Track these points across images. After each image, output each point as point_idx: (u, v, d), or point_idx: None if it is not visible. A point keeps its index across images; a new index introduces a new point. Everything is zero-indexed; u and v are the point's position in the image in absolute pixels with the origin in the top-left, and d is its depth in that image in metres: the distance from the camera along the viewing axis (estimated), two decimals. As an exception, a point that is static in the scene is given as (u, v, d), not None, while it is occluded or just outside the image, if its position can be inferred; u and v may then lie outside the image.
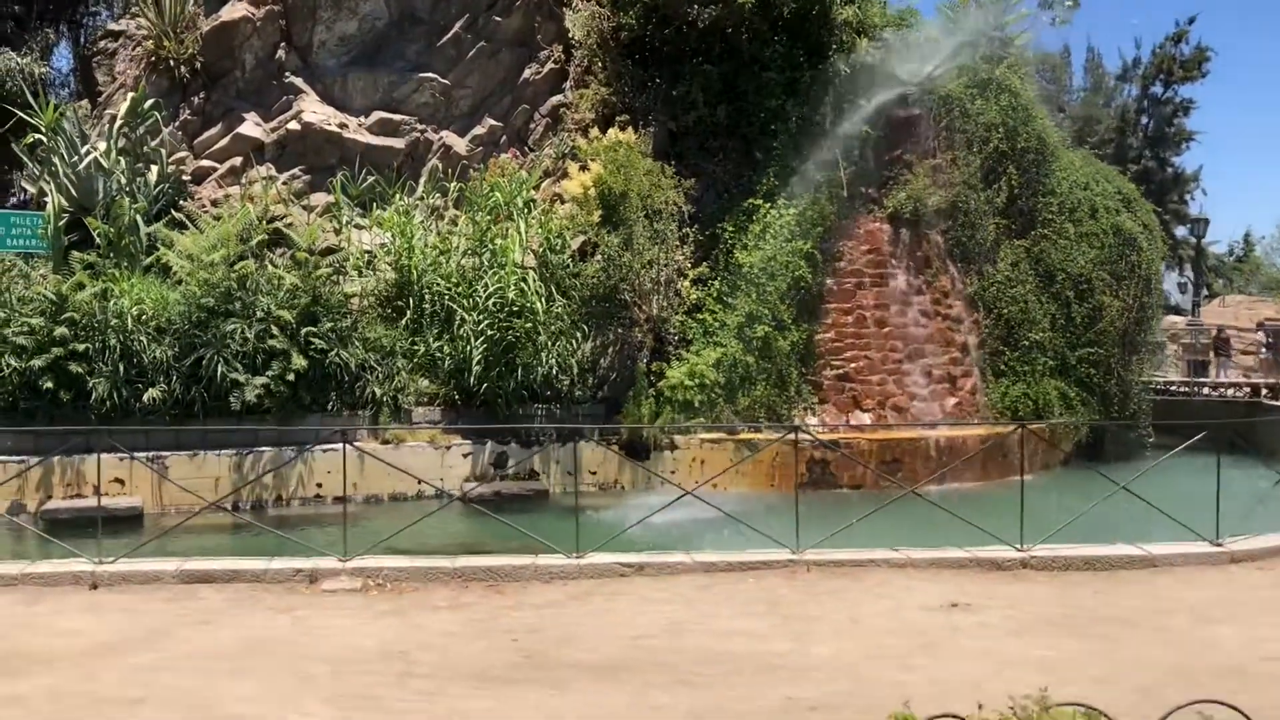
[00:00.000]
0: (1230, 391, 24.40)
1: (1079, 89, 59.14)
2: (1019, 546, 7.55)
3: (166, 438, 14.55)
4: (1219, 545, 7.76)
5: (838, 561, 7.22)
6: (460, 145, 19.15)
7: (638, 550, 7.86)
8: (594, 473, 16.38)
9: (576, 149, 17.43)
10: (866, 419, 17.19)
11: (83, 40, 24.80)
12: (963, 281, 18.86)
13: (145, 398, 14.09)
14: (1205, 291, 43.67)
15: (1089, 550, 7.41)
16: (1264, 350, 31.68)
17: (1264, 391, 23.43)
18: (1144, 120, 57.06)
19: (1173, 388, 24.56)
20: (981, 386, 18.54)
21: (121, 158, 16.22)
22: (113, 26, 21.12)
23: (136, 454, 14.13)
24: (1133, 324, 20.43)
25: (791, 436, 16.68)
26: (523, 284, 15.96)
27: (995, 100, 19.55)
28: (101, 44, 20.19)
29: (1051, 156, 20.06)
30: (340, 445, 15.52)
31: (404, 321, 16.29)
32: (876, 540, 9.39)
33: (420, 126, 19.02)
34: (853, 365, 17.47)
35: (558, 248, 16.79)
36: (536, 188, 17.39)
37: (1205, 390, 24.71)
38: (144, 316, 14.46)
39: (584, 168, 16.51)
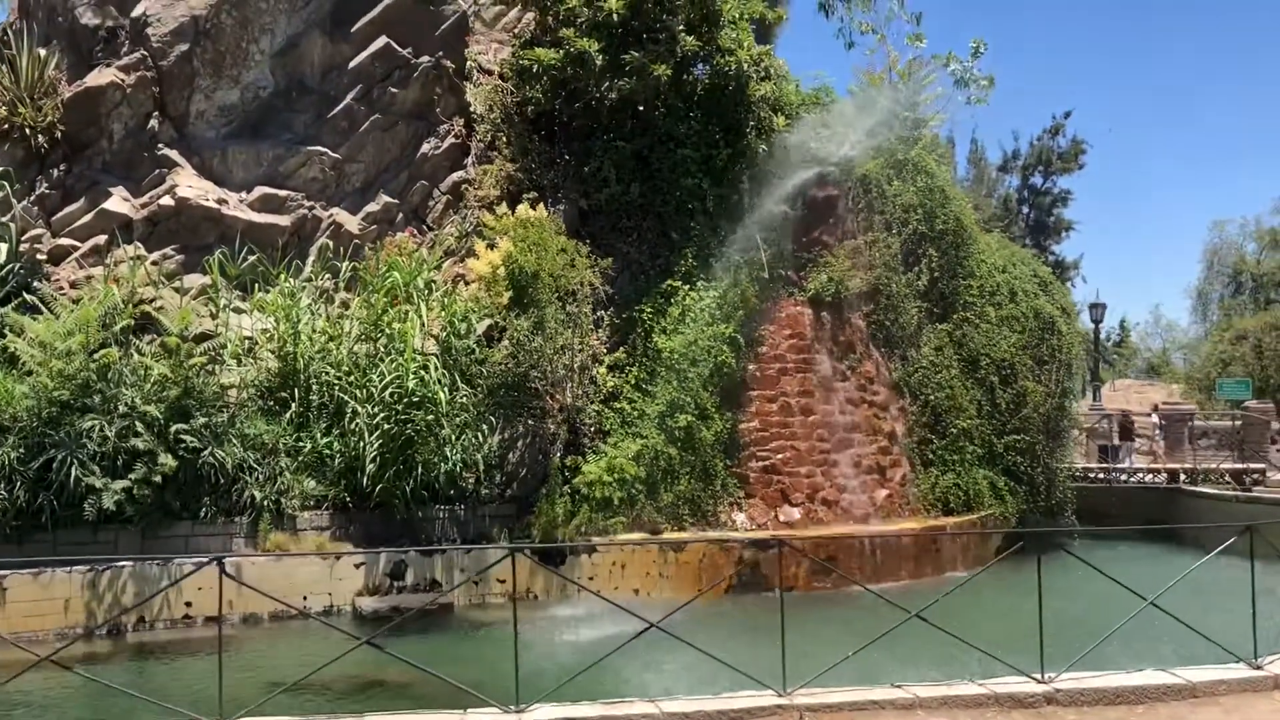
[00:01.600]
0: (1149, 477, 24.12)
1: (963, 179, 60.73)
2: (1040, 677, 6.40)
3: (7, 553, 12.53)
4: (1259, 668, 6.75)
5: (835, 705, 5.95)
6: (352, 223, 17.71)
7: (585, 696, 6.42)
8: (503, 581, 14.79)
9: (483, 226, 16.18)
10: (796, 514, 16.05)
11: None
12: (887, 367, 18.09)
13: (-20, 508, 12.11)
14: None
15: (1121, 680, 6.30)
16: (1158, 434, 31.93)
17: (1182, 478, 23.16)
18: (1025, 210, 58.86)
19: (1090, 474, 24.16)
20: (911, 477, 17.63)
21: (-37, 234, 14.34)
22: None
23: (-34, 573, 12.15)
24: (1055, 409, 19.93)
25: (717, 536, 15.50)
26: (423, 372, 14.48)
27: (912, 181, 19.09)
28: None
29: (969, 239, 19.63)
30: (210, 560, 13.76)
31: (288, 415, 14.62)
32: (837, 653, 8.18)
33: (308, 203, 17.53)
34: (779, 456, 16.38)
35: (462, 332, 15.40)
36: (438, 268, 16.04)
37: (1123, 477, 24.39)
38: (-18, 413, 12.53)
39: (491, 246, 15.26)
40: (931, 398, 18.24)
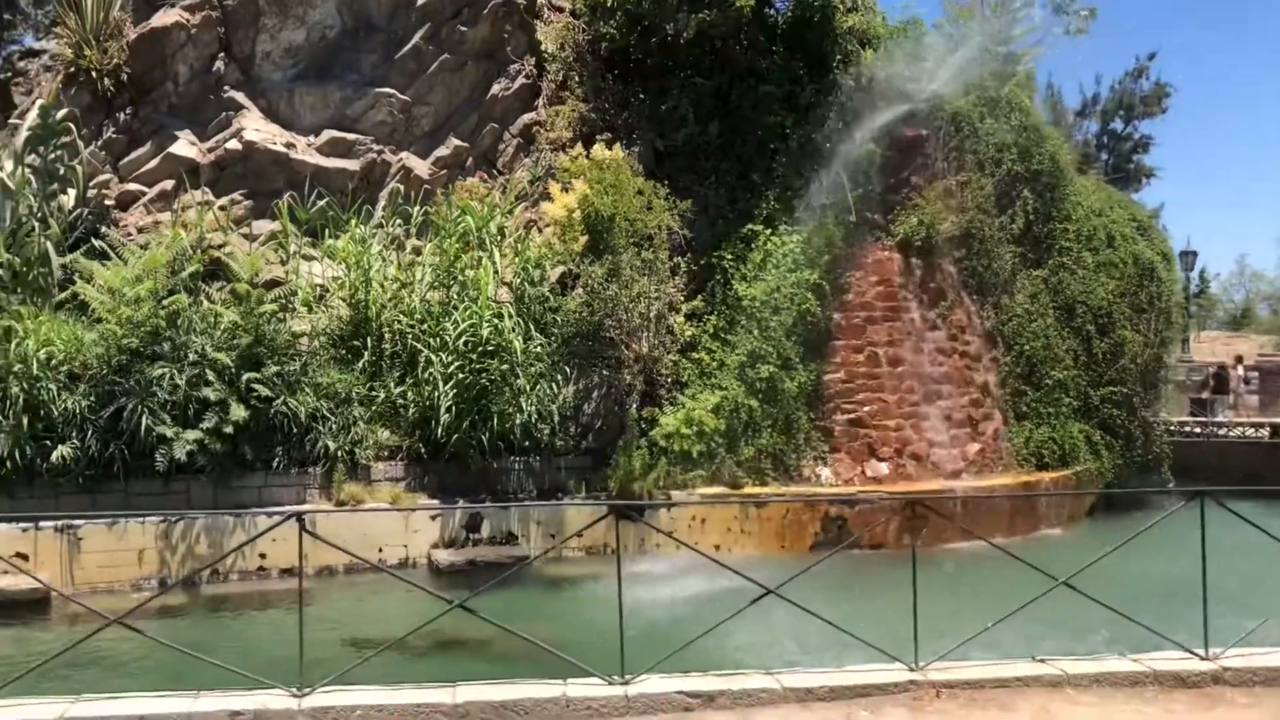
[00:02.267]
0: (1249, 431, 22.97)
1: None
2: (1204, 653, 5.72)
3: (80, 504, 12.31)
4: None
5: (974, 681, 5.35)
6: (422, 168, 17.18)
7: (696, 666, 5.88)
8: (580, 534, 14.33)
9: (556, 169, 15.56)
10: (884, 469, 15.36)
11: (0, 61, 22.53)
12: (979, 315, 17.20)
13: (54, 456, 11.87)
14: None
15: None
16: (1247, 386, 30.56)
17: (1287, 430, 22.03)
18: (1104, 156, 56.68)
19: (1186, 428, 23.08)
20: (1004, 430, 16.82)
21: (32, 178, 14.04)
22: (34, 46, 18.98)
23: (43, 523, 11.95)
24: (1152, 360, 18.92)
25: (803, 490, 14.88)
26: (497, 320, 13.96)
27: (1006, 119, 18.04)
28: (20, 64, 18.03)
29: (1065, 181, 18.56)
30: (286, 510, 13.45)
31: (360, 364, 14.21)
32: (957, 623, 7.54)
33: (377, 147, 17.02)
34: (866, 409, 15.66)
35: (535, 279, 14.85)
36: (510, 213, 15.45)
37: (1221, 431, 23.26)
38: (54, 360, 12.25)
39: (566, 188, 14.62)
40: (1025, 348, 17.34)
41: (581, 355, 15.14)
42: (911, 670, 5.53)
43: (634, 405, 15.13)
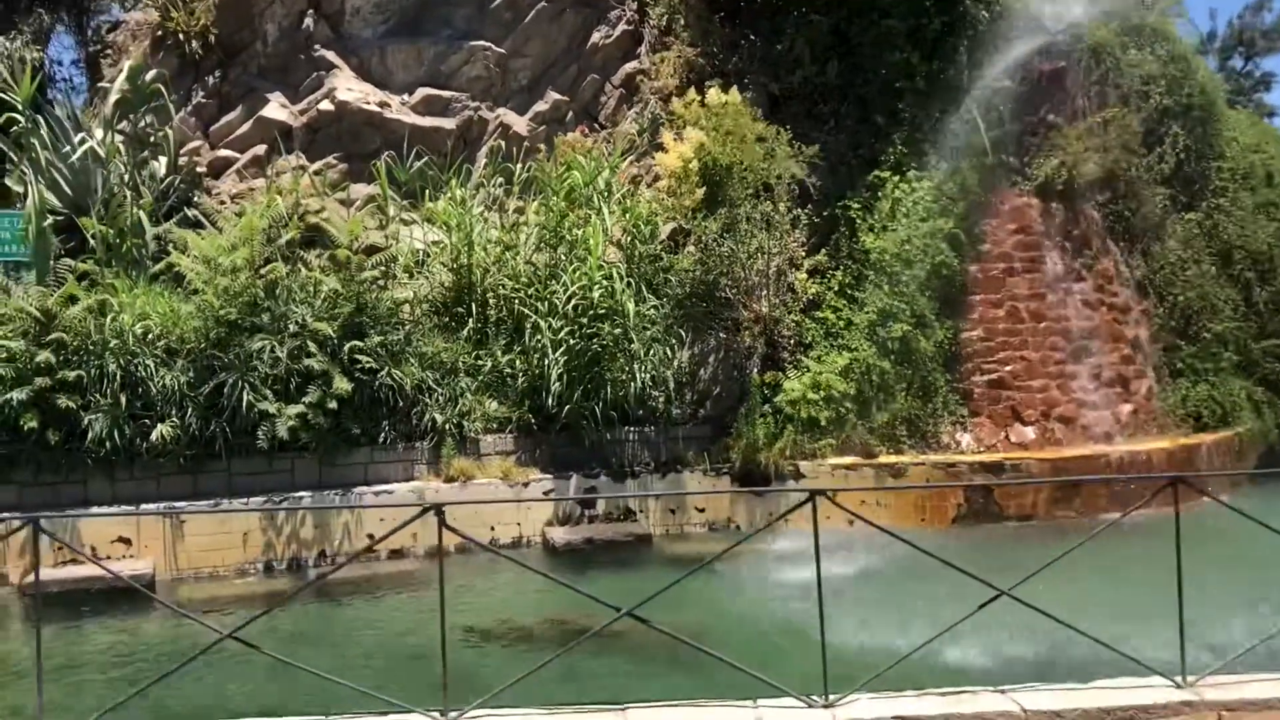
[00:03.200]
0: None
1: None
2: None
3: (182, 485, 11.75)
4: None
5: (1259, 703, 4.27)
6: (520, 124, 16.27)
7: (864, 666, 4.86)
8: (702, 509, 13.42)
9: (668, 116, 14.50)
10: (1030, 433, 14.10)
11: (88, 33, 22.18)
12: (1127, 264, 15.74)
13: (154, 436, 11.28)
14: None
15: None
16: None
17: None
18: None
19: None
20: (1157, 389, 15.40)
21: (122, 146, 13.46)
22: (122, 16, 18.47)
23: (145, 506, 11.41)
24: (1318, 310, 17.24)
25: (941, 458, 13.72)
26: (609, 281, 13.01)
27: (1151, 49, 16.44)
28: (109, 36, 17.53)
29: (1217, 115, 16.94)
30: (396, 486, 12.76)
31: (465, 332, 13.41)
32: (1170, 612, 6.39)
33: (473, 104, 16.16)
34: (1008, 369, 14.39)
35: (646, 237, 13.84)
36: (616, 167, 14.43)
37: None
38: (150, 335, 11.66)
39: (679, 137, 13.56)
40: (1179, 298, 15.86)
41: (696, 317, 14.15)
42: (1180, 687, 4.46)
43: (755, 369, 14.09)
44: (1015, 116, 15.41)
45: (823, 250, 14.44)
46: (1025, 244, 14.91)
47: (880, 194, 14.53)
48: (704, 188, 13.34)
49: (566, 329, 12.92)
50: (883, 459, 13.53)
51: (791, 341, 14.21)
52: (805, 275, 14.29)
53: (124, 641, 9.56)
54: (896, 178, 14.61)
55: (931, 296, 14.19)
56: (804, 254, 14.41)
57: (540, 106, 16.45)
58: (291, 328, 12.08)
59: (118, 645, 9.43)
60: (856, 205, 14.42)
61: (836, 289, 14.30)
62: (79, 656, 9.14)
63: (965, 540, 12.87)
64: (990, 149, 14.84)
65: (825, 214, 14.54)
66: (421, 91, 16.01)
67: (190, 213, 13.71)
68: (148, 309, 11.81)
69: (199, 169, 14.79)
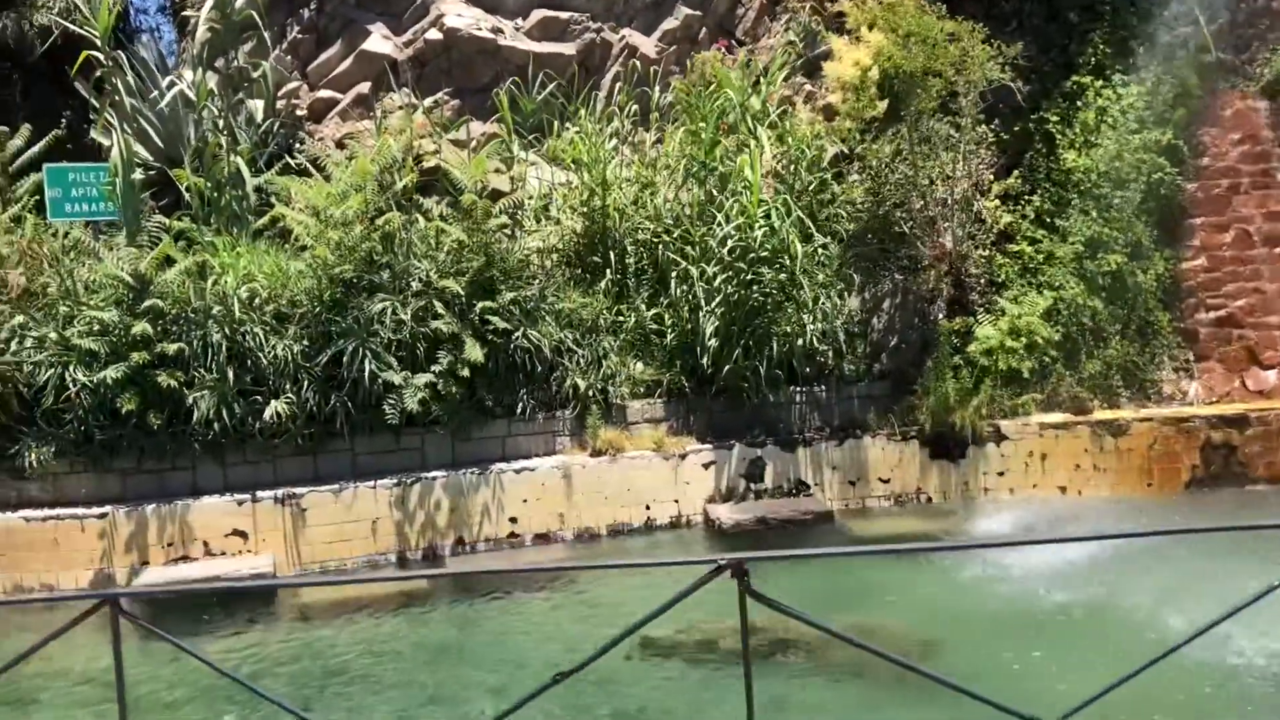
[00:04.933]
0: None
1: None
2: None
3: (301, 468, 10.35)
4: None
5: None
6: (647, 45, 14.40)
7: None
8: (886, 480, 11.60)
9: (824, 24, 12.48)
10: (1271, 378, 11.92)
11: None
12: (1379, 175, 13.28)
13: (267, 414, 9.86)
14: None
15: None
16: None
17: None
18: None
19: None
20: None
21: (215, 87, 11.97)
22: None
23: (261, 494, 10.04)
24: None
25: (1170, 413, 11.65)
26: (772, 219, 11.14)
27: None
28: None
29: None
30: (539, 462, 11.19)
31: (602, 285, 11.72)
32: None
33: (594, 25, 14.33)
34: (1238, 303, 12.18)
35: (808, 164, 11.92)
36: (773, 84, 12.45)
37: None
38: (257, 299, 10.21)
39: (854, 39, 11.54)
40: None
41: (868, 257, 12.23)
42: None
43: (940, 315, 12.15)
44: (1232, 6, 13.00)
45: (1014, 173, 12.33)
46: (1252, 155, 12.58)
47: (1080, 103, 12.35)
48: (884, 100, 11.33)
49: (722, 275, 11.13)
50: (1099, 415, 11.51)
51: (981, 281, 12.21)
52: (995, 202, 12.23)
53: (251, 651, 8.17)
54: (1099, 83, 12.39)
55: (1148, 221, 12.03)
56: (992, 178, 12.32)
57: (669, 24, 14.54)
58: (414, 285, 10.52)
59: (249, 666, 8.04)
60: (1054, 117, 12.25)
61: (1033, 217, 12.23)
62: (207, 684, 7.78)
63: (1205, 508, 10.87)
64: (1206, 45, 12.51)
65: (1017, 128, 12.40)
66: (537, 14, 14.23)
67: (293, 161, 12.20)
68: (253, 269, 10.36)
69: (298, 112, 13.29)
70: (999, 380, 11.51)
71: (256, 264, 10.38)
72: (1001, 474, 11.47)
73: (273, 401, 9.89)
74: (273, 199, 11.37)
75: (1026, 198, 12.26)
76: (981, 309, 11.99)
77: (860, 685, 7.29)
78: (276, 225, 11.32)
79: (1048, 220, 12.14)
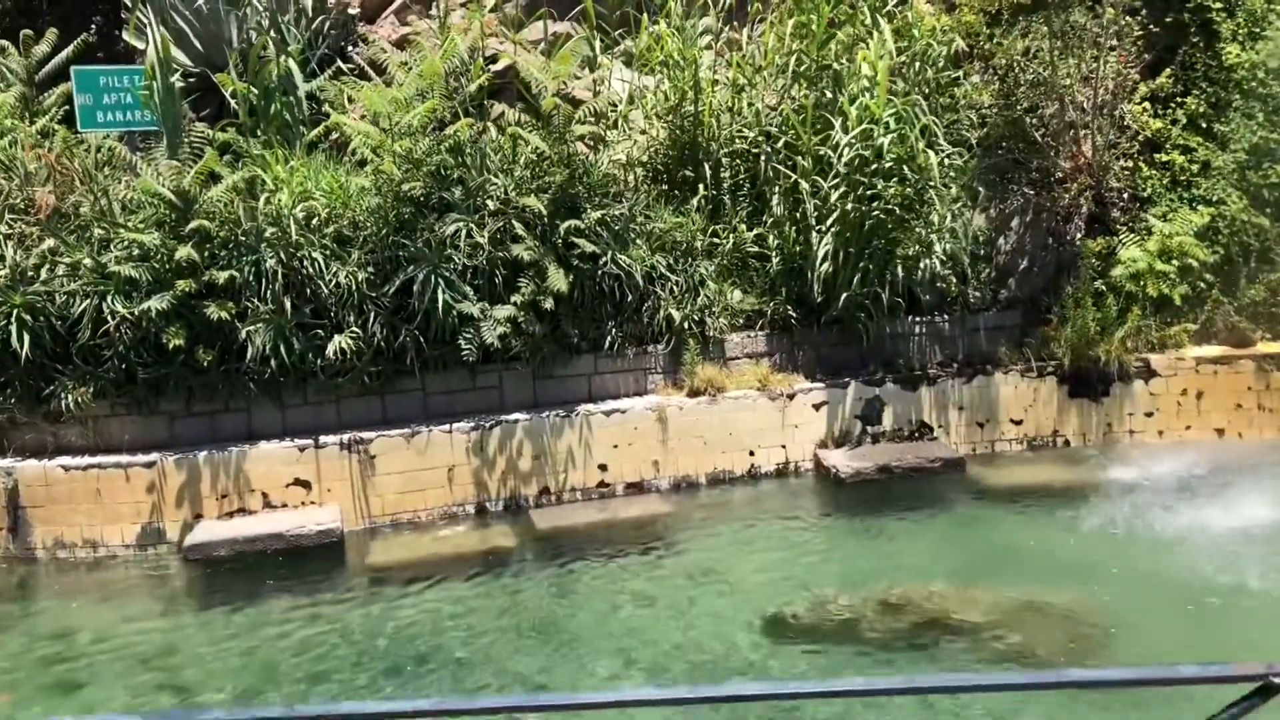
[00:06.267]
0: None
1: None
2: None
3: (368, 409, 9.23)
4: None
5: None
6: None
7: None
8: (1018, 421, 10.32)
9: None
10: None
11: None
12: None
13: (329, 350, 8.69)
14: None
15: None
16: None
17: None
18: None
19: None
20: None
21: (259, -18, 10.64)
22: None
23: (324, 439, 8.94)
24: None
25: (1348, 345, 10.22)
26: (897, 124, 9.71)
27: None
28: None
29: None
30: (630, 403, 9.99)
31: (695, 202, 10.38)
32: None
33: (677, -90, 12.74)
34: None
35: (933, 61, 10.45)
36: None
37: None
38: (315, 220, 8.99)
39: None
40: None
41: (995, 169, 10.81)
42: None
43: (1076, 235, 10.74)
44: None
45: (1165, 72, 10.78)
46: None
47: (1244, -11, 10.75)
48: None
49: (840, 190, 9.75)
50: (1264, 348, 10.13)
51: (1124, 196, 10.76)
52: (1142, 106, 10.71)
53: (326, 635, 7.10)
54: (1267, -36, 10.79)
55: (1323, 126, 10.50)
56: (1138, 77, 10.79)
57: (759, -90, 12.93)
58: (491, 204, 9.25)
59: (321, 644, 6.97)
60: (1216, 4, 10.65)
61: (1185, 122, 10.71)
62: (275, 663, 6.72)
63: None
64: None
65: (1168, 20, 10.82)
66: (612, -101, 12.66)
67: (346, 66, 10.88)
68: (309, 186, 9.11)
69: (350, 9, 11.92)
70: (1147, 308, 10.14)
71: (313, 180, 9.13)
72: (1150, 414, 10.15)
73: (335, 336, 8.73)
74: (327, 107, 10.08)
75: (1179, 100, 10.73)
76: (1125, 228, 10.56)
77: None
78: (332, 137, 10.06)
79: (1204, 125, 10.63)
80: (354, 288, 8.79)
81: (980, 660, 6.40)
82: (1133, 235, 10.42)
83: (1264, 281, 10.30)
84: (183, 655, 6.87)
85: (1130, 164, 10.67)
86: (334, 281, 8.76)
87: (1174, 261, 10.12)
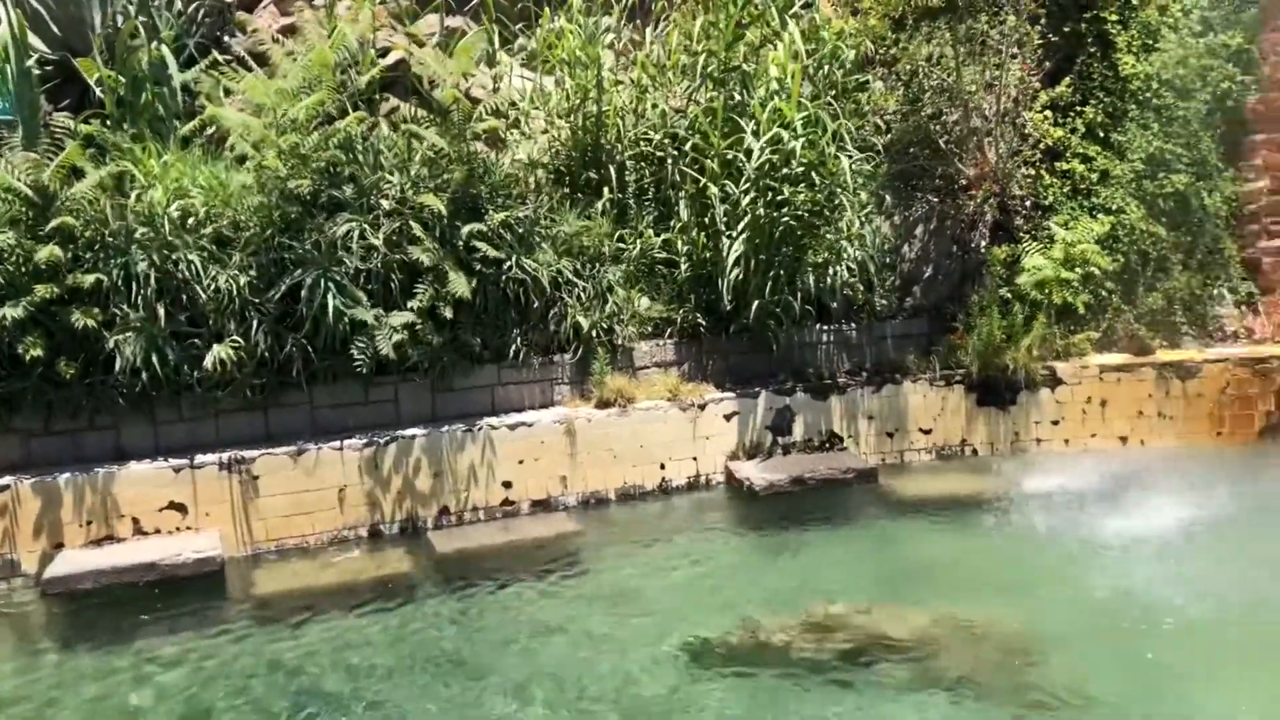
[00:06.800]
0: None
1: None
2: None
3: (250, 425, 8.51)
4: None
5: None
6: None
7: None
8: (927, 430, 10.20)
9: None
10: (1341, 314, 10.80)
11: None
12: None
13: (208, 361, 7.97)
14: None
15: None
16: None
17: None
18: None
19: None
20: None
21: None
22: None
23: (202, 458, 8.19)
24: None
25: (1246, 353, 10.45)
26: (810, 128, 9.48)
27: None
28: None
29: None
30: (536, 415, 9.49)
31: (599, 206, 9.97)
32: None
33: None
34: (1304, 231, 10.99)
35: (840, 65, 10.28)
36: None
37: None
38: (192, 219, 8.24)
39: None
40: None
41: (899, 176, 10.71)
42: None
43: (980, 242, 10.71)
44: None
45: (1064, 80, 10.86)
46: (1316, 66, 11.32)
47: (1141, 1, 10.90)
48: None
49: (750, 195, 9.47)
50: (1164, 356, 10.24)
51: (1026, 204, 10.79)
52: (1042, 114, 10.76)
53: (198, 676, 6.39)
54: (1160, -22, 10.98)
55: (1215, 138, 10.71)
56: (1038, 86, 10.85)
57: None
58: (386, 204, 8.65)
59: (191, 686, 6.27)
60: (1112, 18, 10.78)
61: (1084, 131, 10.80)
62: (140, 711, 6.00)
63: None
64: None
65: (1067, 30, 10.90)
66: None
67: (221, 57, 10.10)
68: (184, 182, 8.36)
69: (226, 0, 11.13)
70: (1052, 316, 10.16)
71: (189, 176, 8.38)
72: (1056, 423, 10.16)
73: (214, 345, 8.00)
74: (203, 99, 9.30)
75: (1078, 109, 10.82)
76: (1028, 236, 10.58)
77: (981, 703, 5.87)
78: (209, 131, 9.29)
79: (1102, 135, 10.74)
80: (235, 293, 8.07)
81: (924, 680, 6.13)
82: (1036, 243, 10.43)
83: (1162, 290, 10.43)
84: (33, 703, 6.09)
85: (1032, 172, 10.71)
86: (213, 286, 8.04)
87: (1077, 269, 10.16)
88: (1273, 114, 11.14)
